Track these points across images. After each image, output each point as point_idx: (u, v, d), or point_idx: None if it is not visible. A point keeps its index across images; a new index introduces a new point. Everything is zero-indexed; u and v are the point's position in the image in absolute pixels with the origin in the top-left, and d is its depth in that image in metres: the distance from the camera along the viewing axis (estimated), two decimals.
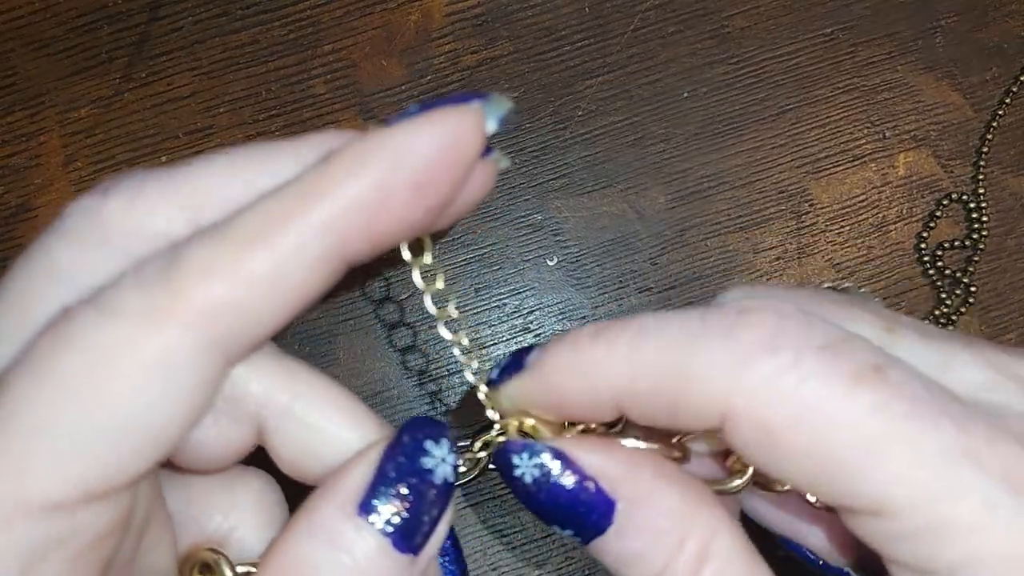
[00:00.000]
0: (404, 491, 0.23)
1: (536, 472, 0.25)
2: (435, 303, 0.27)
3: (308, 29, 0.49)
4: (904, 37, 0.50)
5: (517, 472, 0.25)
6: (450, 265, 0.48)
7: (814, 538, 0.30)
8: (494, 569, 0.46)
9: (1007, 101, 0.50)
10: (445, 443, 0.24)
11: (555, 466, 0.25)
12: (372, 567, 0.22)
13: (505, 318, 0.48)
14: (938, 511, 0.21)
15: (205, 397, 0.22)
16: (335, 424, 0.25)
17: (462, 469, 0.26)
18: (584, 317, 0.48)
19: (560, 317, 0.48)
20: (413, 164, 0.22)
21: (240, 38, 0.49)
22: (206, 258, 0.21)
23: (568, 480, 0.25)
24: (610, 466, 0.25)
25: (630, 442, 0.26)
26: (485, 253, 0.48)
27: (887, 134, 0.50)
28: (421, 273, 0.26)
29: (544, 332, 0.48)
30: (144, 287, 0.21)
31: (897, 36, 0.50)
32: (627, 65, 0.49)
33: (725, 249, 0.49)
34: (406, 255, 0.25)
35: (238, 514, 0.27)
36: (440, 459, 0.24)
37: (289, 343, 0.48)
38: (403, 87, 0.49)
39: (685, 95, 0.49)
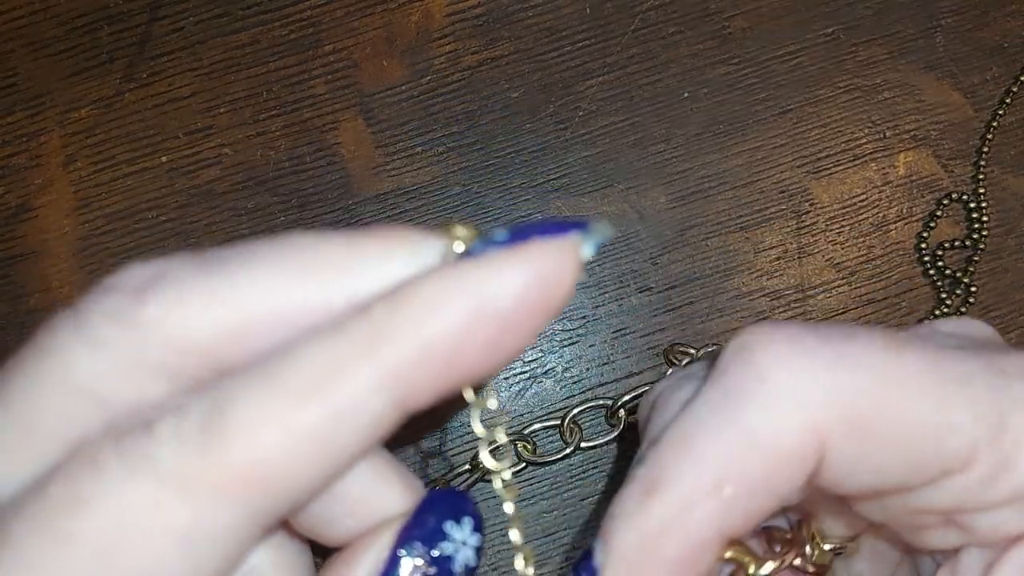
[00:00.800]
0: None
1: None
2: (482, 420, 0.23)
3: (309, 29, 0.49)
4: (905, 37, 0.50)
5: None
6: None
7: None
8: (494, 569, 0.46)
9: (1007, 101, 0.50)
10: (468, 522, 0.21)
11: None
12: None
13: None
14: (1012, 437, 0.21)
15: (230, 566, 0.19)
16: (355, 483, 0.22)
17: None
18: (584, 317, 0.48)
19: (560, 317, 0.48)
20: (500, 306, 0.18)
21: (241, 38, 0.49)
22: (254, 413, 0.18)
23: None
24: None
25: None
26: None
27: (887, 134, 0.50)
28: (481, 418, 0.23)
29: (544, 332, 0.48)
30: (182, 441, 0.18)
31: (898, 36, 0.50)
32: (628, 65, 0.49)
33: (726, 249, 0.49)
34: (469, 397, 0.22)
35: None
36: (461, 542, 0.21)
37: None
38: (404, 87, 0.49)
39: (686, 95, 0.49)
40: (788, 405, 0.21)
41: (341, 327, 0.19)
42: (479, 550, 0.22)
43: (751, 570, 0.24)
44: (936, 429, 0.21)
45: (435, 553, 0.21)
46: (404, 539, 0.21)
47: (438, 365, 0.18)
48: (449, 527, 0.21)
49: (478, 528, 0.22)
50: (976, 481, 0.21)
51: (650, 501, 0.22)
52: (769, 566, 0.25)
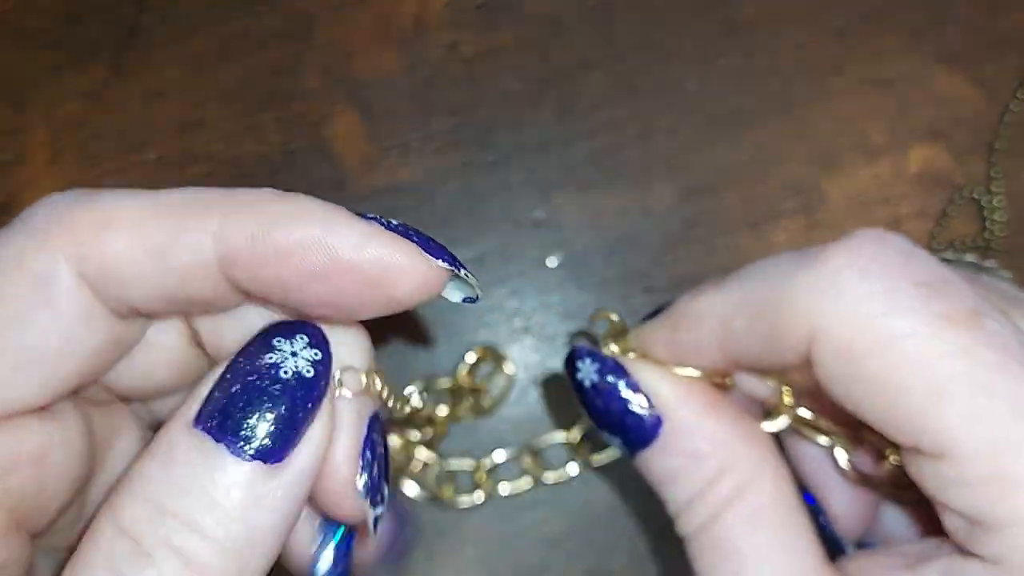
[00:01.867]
0: (238, 390, 0.21)
1: (595, 378, 0.28)
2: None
3: (301, 19, 0.49)
4: (917, 28, 0.49)
5: (579, 376, 0.28)
6: None
7: (835, 500, 0.31)
8: None
9: (1020, 95, 0.49)
10: (302, 339, 0.23)
11: (612, 375, 0.27)
12: (217, 480, 0.21)
13: (505, 319, 0.47)
14: (1001, 463, 0.21)
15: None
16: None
17: (339, 373, 0.24)
18: (587, 318, 0.47)
19: (563, 317, 0.47)
20: (342, 256, 0.23)
21: (231, 29, 0.48)
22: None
23: (623, 391, 0.27)
24: (664, 386, 0.27)
25: (682, 369, 0.28)
26: (485, 252, 0.47)
27: (900, 128, 0.48)
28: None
29: (546, 333, 0.47)
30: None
31: (910, 27, 0.49)
32: (632, 56, 0.48)
33: (734, 247, 0.47)
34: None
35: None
36: (288, 353, 0.22)
37: None
38: (400, 79, 0.48)
39: (692, 87, 0.48)
40: (815, 296, 0.23)
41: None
42: (315, 363, 0.23)
43: (786, 400, 0.28)
44: (934, 420, 0.22)
45: (259, 362, 0.22)
46: (235, 359, 0.23)
47: (268, 256, 0.22)
48: (278, 341, 0.23)
49: (316, 345, 0.23)
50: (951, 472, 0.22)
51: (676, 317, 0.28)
52: (805, 412, 0.28)
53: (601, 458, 0.45)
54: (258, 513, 0.21)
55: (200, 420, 0.21)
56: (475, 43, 0.49)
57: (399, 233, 0.24)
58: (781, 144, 0.48)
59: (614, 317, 0.32)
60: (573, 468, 0.45)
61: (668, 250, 0.47)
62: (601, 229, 0.48)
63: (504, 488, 0.45)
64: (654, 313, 0.30)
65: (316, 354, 0.23)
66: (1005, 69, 0.49)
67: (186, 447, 0.21)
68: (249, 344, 0.23)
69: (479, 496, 0.45)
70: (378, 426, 0.24)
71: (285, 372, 0.22)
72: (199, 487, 0.20)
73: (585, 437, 0.46)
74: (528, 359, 0.47)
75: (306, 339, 0.23)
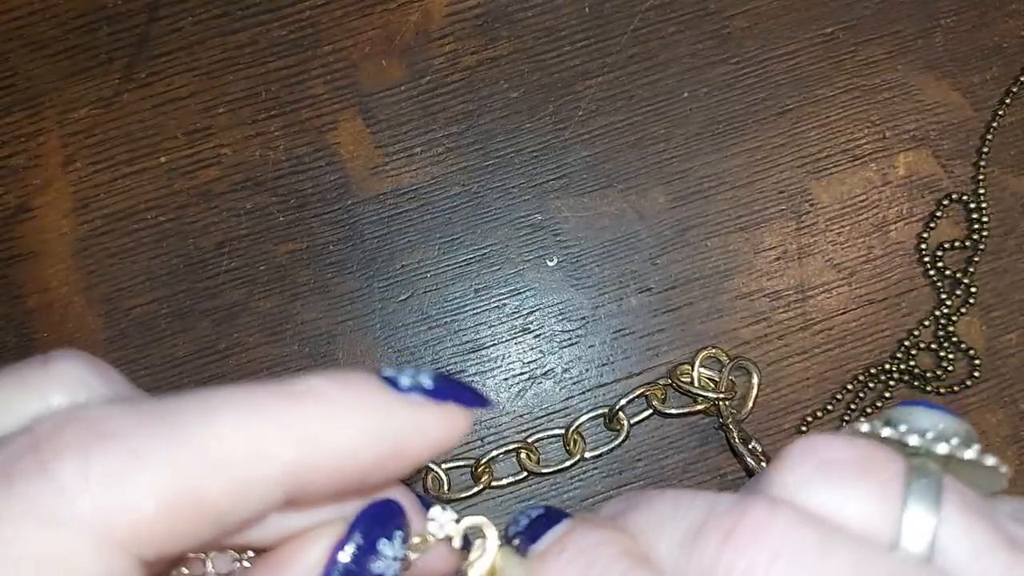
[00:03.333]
0: None
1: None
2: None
3: (308, 29, 0.49)
4: (904, 36, 0.50)
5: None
6: (450, 266, 0.48)
7: None
8: None
9: (1007, 101, 0.50)
10: (399, 537, 0.21)
11: None
12: None
13: (505, 318, 0.48)
14: None
15: None
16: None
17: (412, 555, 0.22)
18: (584, 318, 0.48)
19: (560, 317, 0.48)
20: (412, 444, 0.20)
21: (239, 38, 0.49)
22: (147, 476, 0.17)
23: None
24: None
25: None
26: (485, 253, 0.48)
27: (887, 134, 0.50)
28: None
29: (544, 332, 0.48)
30: (84, 483, 0.17)
31: (897, 35, 0.50)
32: (627, 65, 0.49)
33: (725, 249, 0.49)
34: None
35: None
36: (392, 558, 0.21)
37: (288, 343, 0.48)
38: (403, 87, 0.49)
39: (685, 95, 0.49)
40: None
41: (262, 397, 0.18)
42: (404, 560, 0.21)
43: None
44: None
45: (368, 571, 0.20)
46: (336, 558, 0.20)
47: (330, 468, 0.19)
48: (383, 545, 0.21)
49: (406, 540, 0.21)
50: None
51: None
52: None
53: (595, 452, 0.47)
54: None
55: None
56: (476, 52, 0.49)
57: (434, 394, 0.21)
58: (771, 150, 0.49)
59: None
60: (568, 462, 0.47)
61: (662, 252, 0.48)
62: (597, 232, 0.49)
63: (502, 481, 0.47)
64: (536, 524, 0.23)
65: (405, 551, 0.21)
66: (991, 77, 0.50)
67: None
68: (351, 536, 0.20)
69: (478, 489, 0.46)
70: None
71: None
72: None
73: (580, 432, 0.47)
74: (526, 357, 0.48)
75: (401, 535, 0.21)
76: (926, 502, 0.19)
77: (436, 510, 0.23)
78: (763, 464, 0.46)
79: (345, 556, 0.20)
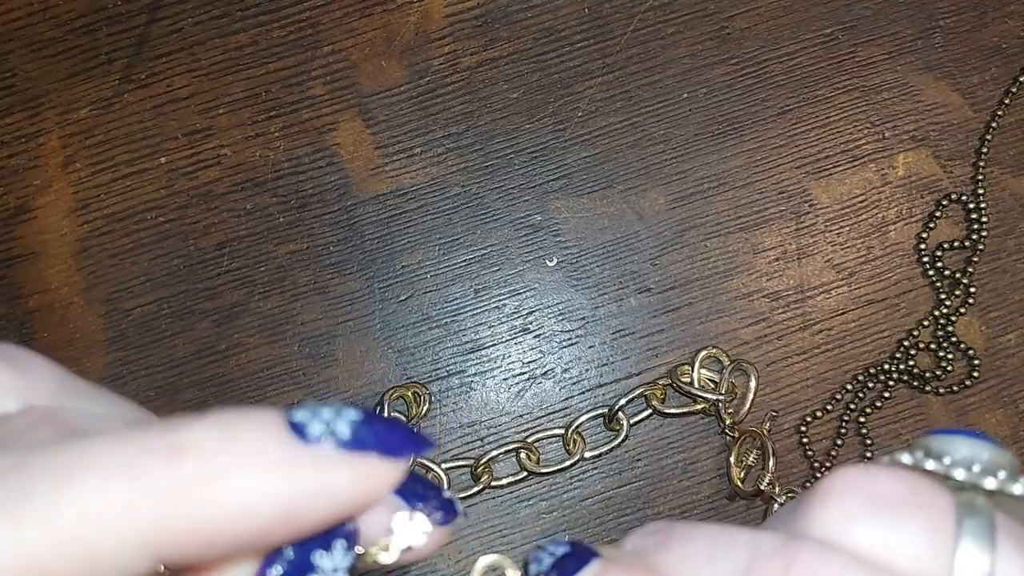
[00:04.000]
0: None
1: None
2: None
3: (307, 30, 0.49)
4: (904, 37, 0.50)
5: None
6: (450, 266, 0.48)
7: None
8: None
9: (1007, 101, 0.50)
10: (340, 546, 0.19)
11: None
12: None
13: (505, 319, 0.48)
14: None
15: None
16: None
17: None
18: (584, 318, 0.48)
19: (560, 318, 0.48)
20: (321, 502, 0.18)
21: (240, 39, 0.49)
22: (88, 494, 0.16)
23: None
24: None
25: None
26: (485, 254, 0.48)
27: (887, 134, 0.50)
28: None
29: (544, 333, 0.48)
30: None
31: (897, 36, 0.50)
32: (627, 66, 0.49)
33: (725, 250, 0.49)
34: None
35: None
36: (331, 570, 0.18)
37: (289, 344, 0.48)
38: (403, 88, 0.49)
39: (685, 96, 0.49)
40: None
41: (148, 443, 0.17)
42: (352, 568, 0.19)
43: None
44: None
45: None
46: (264, 572, 0.18)
47: (206, 534, 0.17)
48: (319, 558, 0.18)
49: (351, 546, 0.19)
50: None
51: None
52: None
53: (594, 452, 0.47)
54: None
55: None
56: (475, 53, 0.50)
57: (354, 446, 0.18)
58: (771, 150, 0.49)
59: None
60: (568, 461, 0.47)
61: (661, 253, 0.49)
62: (597, 232, 0.49)
63: (502, 481, 0.47)
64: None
65: (352, 559, 0.19)
66: (990, 77, 0.50)
67: None
68: (279, 554, 0.18)
69: (477, 489, 0.46)
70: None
71: None
72: None
73: (579, 432, 0.47)
74: (526, 357, 0.48)
75: (344, 544, 0.19)
76: (980, 541, 0.18)
77: (401, 518, 0.20)
78: (763, 467, 0.46)
79: (278, 571, 0.18)
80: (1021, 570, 0.18)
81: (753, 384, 0.47)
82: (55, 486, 0.16)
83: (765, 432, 0.46)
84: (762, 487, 0.46)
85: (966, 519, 0.18)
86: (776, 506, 0.46)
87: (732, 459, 0.47)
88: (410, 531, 0.20)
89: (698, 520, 0.48)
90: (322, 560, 0.18)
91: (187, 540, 0.16)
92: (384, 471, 0.18)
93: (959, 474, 0.19)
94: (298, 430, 0.17)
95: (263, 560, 0.18)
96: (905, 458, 0.20)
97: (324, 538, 0.18)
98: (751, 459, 0.47)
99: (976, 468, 0.19)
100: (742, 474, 0.47)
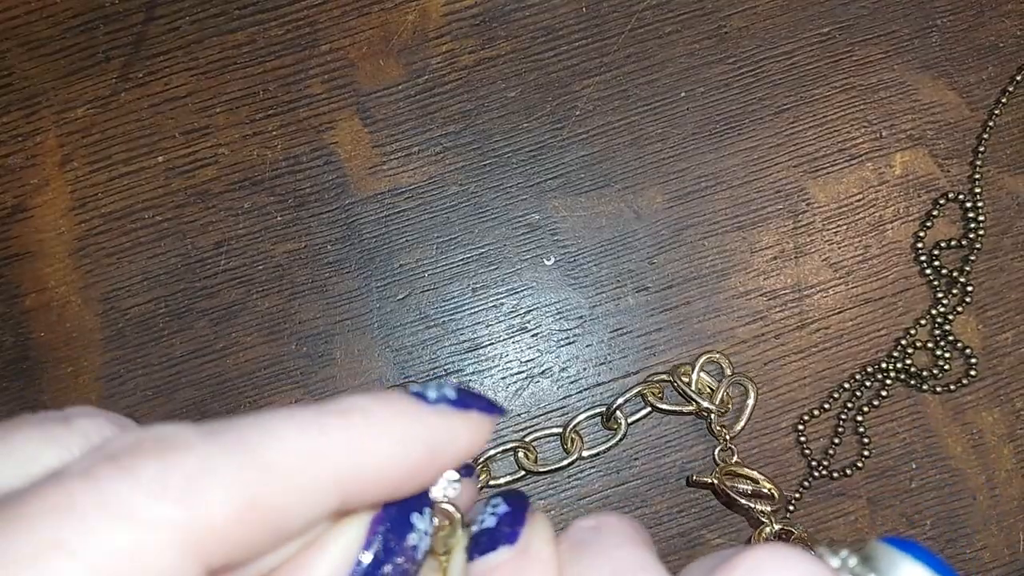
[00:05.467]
0: (389, 570, 0.21)
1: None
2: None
3: (305, 29, 0.49)
4: (901, 36, 0.50)
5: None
6: (447, 265, 0.48)
7: None
8: None
9: (1003, 100, 0.50)
10: (428, 513, 0.22)
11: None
12: None
13: (503, 318, 0.48)
14: None
15: None
16: None
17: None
18: (581, 317, 0.48)
19: (557, 316, 0.48)
20: (448, 453, 0.22)
21: (237, 38, 0.49)
22: (225, 480, 0.19)
23: None
24: None
25: None
26: (482, 252, 0.48)
27: (884, 133, 0.50)
28: None
29: (541, 332, 0.48)
30: (164, 489, 0.18)
31: (894, 35, 0.50)
32: (624, 65, 0.49)
33: (722, 248, 0.49)
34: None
35: None
36: (423, 532, 0.22)
37: (286, 343, 0.48)
38: (400, 87, 0.49)
39: (682, 95, 0.49)
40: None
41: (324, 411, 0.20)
42: (432, 535, 0.23)
43: None
44: None
45: (404, 544, 0.22)
46: (377, 529, 0.21)
47: (376, 475, 0.20)
48: (415, 518, 0.22)
49: (433, 514, 0.23)
50: None
51: None
52: None
53: (592, 451, 0.47)
54: None
55: None
56: (473, 52, 0.50)
57: (455, 404, 0.22)
58: (768, 149, 0.49)
59: None
60: (566, 460, 0.47)
61: (659, 251, 0.49)
62: (594, 231, 0.49)
63: (500, 480, 0.47)
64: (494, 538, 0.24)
65: (433, 527, 0.23)
66: (987, 76, 0.50)
67: None
68: (389, 513, 0.22)
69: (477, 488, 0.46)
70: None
71: (420, 554, 0.22)
72: None
73: (577, 431, 0.47)
74: (524, 356, 0.48)
75: (430, 511, 0.23)
76: None
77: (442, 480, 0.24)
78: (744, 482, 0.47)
79: (385, 528, 0.22)
80: None
81: (751, 402, 0.47)
82: (269, 435, 0.19)
83: (727, 487, 0.47)
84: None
85: None
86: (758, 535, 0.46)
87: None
88: (443, 488, 0.23)
89: (696, 520, 0.48)
90: (417, 521, 0.22)
91: (363, 482, 0.20)
92: (486, 422, 0.23)
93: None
94: (420, 397, 0.22)
95: (373, 519, 0.22)
96: (835, 562, 0.21)
97: (417, 503, 0.22)
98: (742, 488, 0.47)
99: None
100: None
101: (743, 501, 0.46)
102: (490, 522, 0.23)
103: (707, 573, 0.21)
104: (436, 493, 0.23)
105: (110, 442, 0.19)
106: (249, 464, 0.19)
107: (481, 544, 0.23)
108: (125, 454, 0.18)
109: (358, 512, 0.22)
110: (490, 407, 0.23)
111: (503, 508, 0.23)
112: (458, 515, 0.23)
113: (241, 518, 0.18)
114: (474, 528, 0.23)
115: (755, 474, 0.47)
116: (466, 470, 0.24)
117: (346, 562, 0.21)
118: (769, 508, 0.46)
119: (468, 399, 0.23)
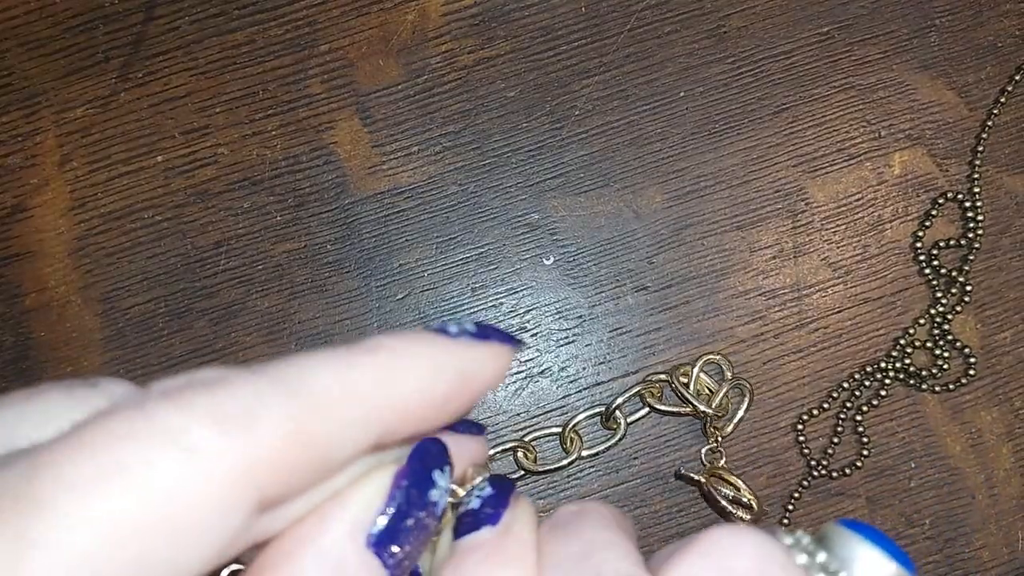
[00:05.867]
0: (411, 524, 0.22)
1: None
2: None
3: (305, 29, 0.49)
4: (899, 36, 0.50)
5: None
6: (447, 265, 0.48)
7: None
8: None
9: (1002, 100, 0.50)
10: (448, 471, 0.23)
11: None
12: None
13: (502, 317, 0.48)
14: None
15: (230, 547, 0.19)
16: None
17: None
18: (580, 316, 0.48)
19: (557, 316, 0.48)
20: (479, 380, 0.23)
21: (236, 38, 0.49)
22: (279, 410, 0.19)
23: None
24: None
25: None
26: (482, 252, 0.48)
27: (883, 133, 0.50)
28: None
29: (541, 331, 0.48)
30: (217, 421, 0.18)
31: (892, 35, 0.50)
32: (624, 64, 0.49)
33: (721, 248, 0.49)
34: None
35: None
36: (444, 489, 0.23)
37: (285, 343, 0.48)
38: (400, 87, 0.49)
39: (682, 94, 0.49)
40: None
41: (354, 351, 0.21)
42: (452, 492, 0.23)
43: None
44: None
45: (427, 499, 0.22)
46: (401, 484, 0.22)
47: (410, 406, 0.21)
48: (437, 475, 0.23)
49: (452, 474, 0.23)
50: None
51: None
52: None
53: (592, 451, 0.47)
54: None
55: (375, 544, 0.21)
56: (472, 52, 0.50)
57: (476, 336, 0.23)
58: (767, 149, 0.49)
59: None
60: (565, 460, 0.47)
61: (658, 251, 0.49)
62: (594, 231, 0.49)
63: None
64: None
65: (451, 483, 0.23)
66: (985, 76, 0.50)
67: (356, 565, 0.21)
68: (412, 468, 0.22)
69: None
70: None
71: (439, 510, 0.22)
72: None
73: (576, 431, 0.47)
74: (523, 355, 0.48)
75: (450, 469, 0.23)
76: None
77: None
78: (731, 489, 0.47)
79: (408, 484, 0.22)
80: None
81: (742, 411, 0.47)
82: (308, 372, 0.20)
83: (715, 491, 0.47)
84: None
85: None
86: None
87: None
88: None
89: (695, 519, 0.48)
90: (439, 478, 0.23)
91: (399, 413, 0.21)
92: (506, 351, 0.24)
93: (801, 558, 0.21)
94: (442, 331, 0.23)
95: (396, 473, 0.22)
96: (788, 540, 0.22)
97: (438, 460, 0.23)
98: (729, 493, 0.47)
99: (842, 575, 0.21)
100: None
101: (724, 504, 0.46)
102: (475, 504, 0.23)
103: (671, 554, 0.22)
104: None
105: (159, 382, 0.19)
106: (294, 399, 0.19)
107: (465, 524, 0.23)
108: (177, 390, 0.19)
109: (382, 467, 0.22)
110: (509, 338, 0.24)
111: (488, 491, 0.24)
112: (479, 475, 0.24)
113: (289, 448, 0.19)
114: (460, 509, 0.24)
115: (738, 482, 0.47)
116: (476, 428, 0.25)
117: (368, 514, 0.21)
118: (748, 517, 0.46)
119: (488, 331, 0.24)
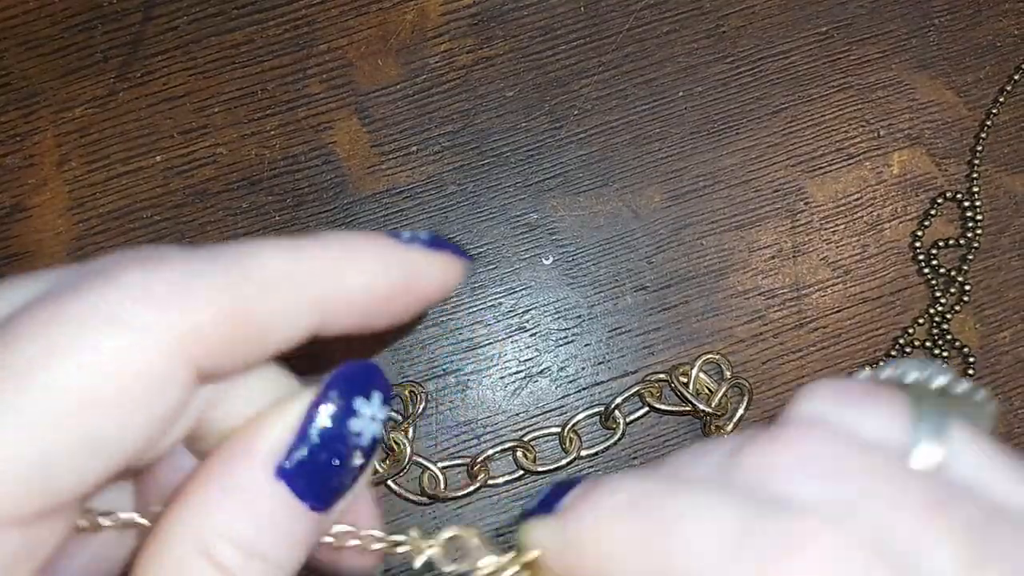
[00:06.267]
0: (327, 455, 0.21)
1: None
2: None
3: (304, 28, 0.49)
4: (898, 36, 0.50)
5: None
6: None
7: None
8: None
9: (1001, 99, 0.50)
10: (377, 397, 0.22)
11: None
12: (281, 526, 0.20)
13: (501, 317, 0.48)
14: None
15: (176, 417, 0.20)
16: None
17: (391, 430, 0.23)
18: (580, 316, 0.48)
19: (556, 316, 0.48)
20: (424, 284, 0.22)
21: (235, 37, 0.49)
22: (214, 291, 0.19)
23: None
24: None
25: None
26: (481, 252, 0.48)
27: (882, 132, 0.50)
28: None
29: (540, 331, 0.48)
30: (153, 297, 0.19)
31: (891, 35, 0.50)
32: (622, 64, 0.49)
33: (720, 248, 0.49)
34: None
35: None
36: (370, 417, 0.21)
37: None
38: (399, 86, 0.49)
39: (680, 94, 0.49)
40: None
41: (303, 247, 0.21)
42: (385, 422, 0.22)
43: None
44: None
45: (346, 430, 0.21)
46: (313, 414, 0.21)
47: (351, 297, 0.21)
48: (359, 404, 0.21)
49: (387, 401, 0.22)
50: None
51: None
52: None
53: (591, 451, 0.47)
54: (301, 552, 0.21)
55: (284, 474, 0.20)
56: (471, 51, 0.50)
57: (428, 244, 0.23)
58: (766, 148, 0.49)
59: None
60: (565, 460, 0.47)
61: (657, 251, 0.49)
62: (593, 231, 0.49)
63: (498, 480, 0.47)
64: (548, 501, 0.23)
65: (386, 413, 0.22)
66: (984, 75, 0.50)
67: (269, 495, 0.20)
68: (327, 396, 0.21)
69: (474, 487, 0.46)
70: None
71: (366, 441, 0.21)
72: (281, 535, 0.20)
73: (576, 430, 0.47)
74: (522, 355, 0.48)
75: (380, 397, 0.22)
76: (935, 419, 0.20)
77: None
78: None
79: (322, 413, 0.21)
80: (968, 443, 0.20)
81: (743, 405, 0.47)
82: (251, 254, 0.20)
83: None
84: None
85: (923, 401, 0.21)
86: None
87: None
88: None
89: None
90: (362, 407, 0.21)
91: (340, 302, 0.21)
92: (457, 264, 0.23)
93: (910, 378, 0.22)
94: (394, 236, 0.22)
95: (313, 400, 0.21)
96: (863, 374, 0.23)
97: (363, 386, 0.22)
98: None
99: (925, 374, 0.22)
100: None
101: None
102: (545, 490, 0.23)
103: (765, 428, 0.21)
104: None
105: (96, 260, 0.20)
106: (234, 274, 0.19)
107: (557, 494, 0.22)
108: (110, 267, 0.19)
109: (304, 393, 0.21)
110: (461, 252, 0.24)
111: (546, 488, 0.23)
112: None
113: (224, 322, 0.19)
114: (528, 506, 0.23)
115: None
116: (383, 389, 0.23)
117: (280, 445, 0.20)
118: None
119: (440, 243, 0.23)
